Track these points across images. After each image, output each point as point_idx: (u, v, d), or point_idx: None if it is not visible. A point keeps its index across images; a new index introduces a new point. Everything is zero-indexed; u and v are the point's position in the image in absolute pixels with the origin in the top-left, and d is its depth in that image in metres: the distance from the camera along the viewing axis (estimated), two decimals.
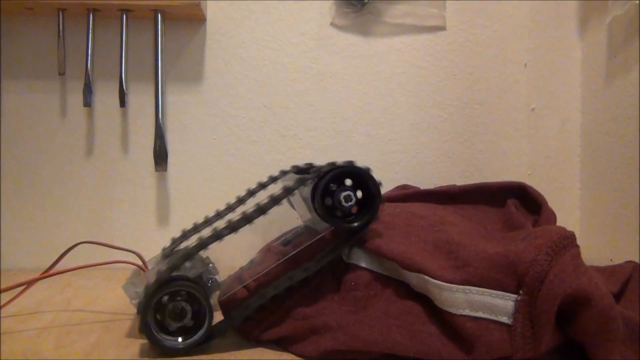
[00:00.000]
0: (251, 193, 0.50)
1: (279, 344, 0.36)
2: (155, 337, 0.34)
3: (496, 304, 0.30)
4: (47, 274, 0.40)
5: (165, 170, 0.61)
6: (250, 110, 0.63)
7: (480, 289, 0.31)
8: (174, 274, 0.35)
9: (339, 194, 0.37)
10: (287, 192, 0.37)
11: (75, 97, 0.61)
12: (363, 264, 0.39)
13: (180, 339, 0.35)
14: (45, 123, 0.61)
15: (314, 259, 0.38)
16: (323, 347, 0.33)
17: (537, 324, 0.29)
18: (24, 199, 0.61)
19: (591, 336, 0.29)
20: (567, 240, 0.31)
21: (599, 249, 0.60)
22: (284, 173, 0.51)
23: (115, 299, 0.47)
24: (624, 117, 0.55)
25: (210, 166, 0.63)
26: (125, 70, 0.59)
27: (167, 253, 0.45)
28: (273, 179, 0.50)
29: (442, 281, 0.32)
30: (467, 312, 0.31)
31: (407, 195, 0.50)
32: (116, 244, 0.42)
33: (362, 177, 0.37)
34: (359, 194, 0.38)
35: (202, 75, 0.63)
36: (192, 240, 0.45)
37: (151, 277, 0.37)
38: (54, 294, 0.49)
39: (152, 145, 0.60)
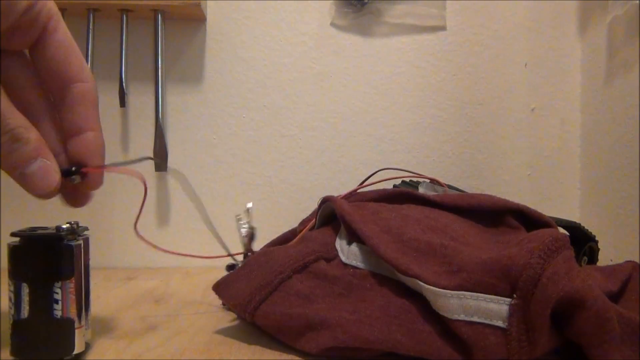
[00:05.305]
0: None
1: (275, 336, 0.36)
2: None
3: (490, 309, 0.31)
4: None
5: (165, 170, 0.61)
6: (250, 110, 0.63)
7: (475, 293, 0.31)
8: None
9: None
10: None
11: None
12: (361, 266, 0.39)
13: None
14: None
15: None
16: (322, 345, 0.33)
17: (532, 327, 0.29)
18: (24, 199, 0.61)
19: (588, 338, 0.29)
20: (560, 243, 0.32)
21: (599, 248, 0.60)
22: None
23: (115, 299, 0.47)
24: (624, 117, 0.55)
25: (210, 166, 0.63)
26: (125, 70, 0.59)
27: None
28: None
29: (437, 287, 0.32)
30: (462, 317, 0.31)
31: (402, 194, 0.50)
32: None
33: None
34: None
35: (202, 75, 0.63)
36: None
37: None
38: None
39: (152, 145, 0.60)
